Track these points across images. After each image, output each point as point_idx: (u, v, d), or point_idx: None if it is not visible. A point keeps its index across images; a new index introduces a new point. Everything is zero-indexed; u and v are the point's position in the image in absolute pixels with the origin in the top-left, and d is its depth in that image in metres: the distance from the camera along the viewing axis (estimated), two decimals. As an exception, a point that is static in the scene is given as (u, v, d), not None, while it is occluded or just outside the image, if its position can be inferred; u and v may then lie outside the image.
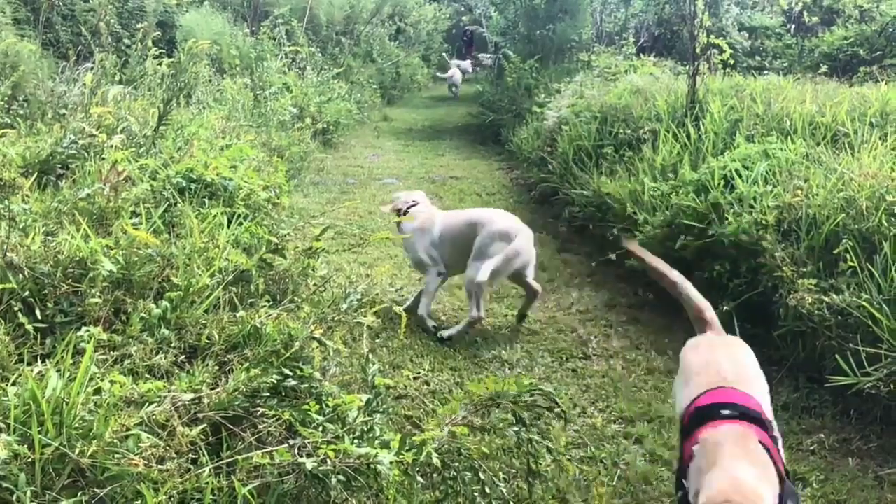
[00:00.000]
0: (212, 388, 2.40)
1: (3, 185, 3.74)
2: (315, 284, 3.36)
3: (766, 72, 9.65)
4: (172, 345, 2.62)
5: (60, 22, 8.77)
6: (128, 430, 2.09)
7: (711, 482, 1.97)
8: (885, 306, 3.42)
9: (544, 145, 7.84)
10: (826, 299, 3.63)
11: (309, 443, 2.30)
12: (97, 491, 1.95)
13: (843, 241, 3.77)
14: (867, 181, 4.05)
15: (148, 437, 2.10)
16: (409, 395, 3.72)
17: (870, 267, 3.62)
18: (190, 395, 2.31)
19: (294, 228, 3.78)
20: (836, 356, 3.47)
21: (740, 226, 4.30)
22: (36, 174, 4.01)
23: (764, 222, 4.21)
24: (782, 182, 4.52)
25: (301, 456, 2.24)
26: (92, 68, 6.21)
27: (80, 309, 2.66)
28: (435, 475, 2.50)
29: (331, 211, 6.43)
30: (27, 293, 2.64)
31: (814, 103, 5.72)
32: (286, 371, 2.55)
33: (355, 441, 2.39)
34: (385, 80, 16.57)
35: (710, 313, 2.77)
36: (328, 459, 2.23)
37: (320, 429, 2.40)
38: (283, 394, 2.54)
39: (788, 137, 5.17)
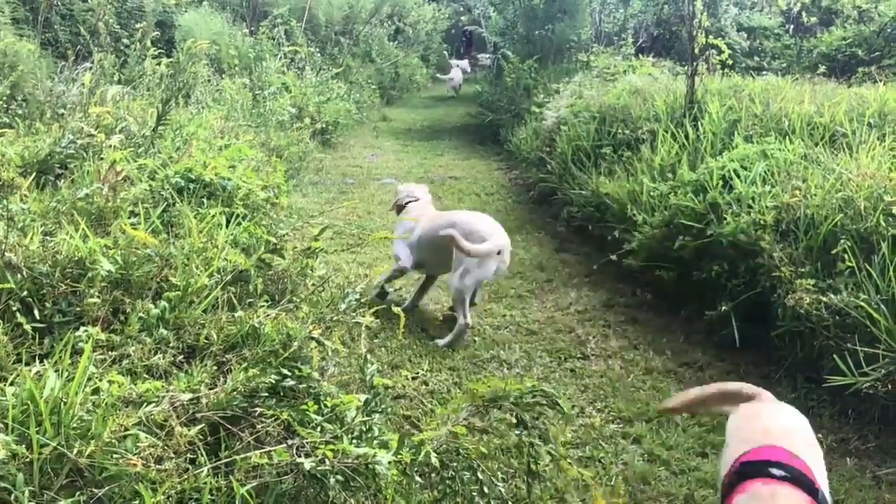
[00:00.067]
0: (210, 388, 2.40)
1: (2, 185, 3.74)
2: (314, 284, 3.36)
3: (764, 72, 9.66)
4: (171, 345, 2.62)
5: (59, 21, 8.77)
6: (126, 429, 2.09)
7: None
8: (882, 306, 3.43)
9: (543, 145, 7.85)
10: (824, 299, 3.63)
11: (307, 443, 2.30)
12: (95, 491, 1.95)
13: (841, 241, 3.77)
14: (865, 181, 4.05)
15: (146, 437, 2.10)
16: (407, 395, 3.72)
17: (868, 267, 3.62)
18: (188, 395, 2.31)
19: (292, 228, 3.79)
20: (834, 356, 3.47)
21: (738, 226, 4.30)
22: (34, 174, 4.01)
23: (762, 222, 4.21)
24: (780, 182, 4.53)
25: (299, 456, 2.24)
26: (90, 68, 6.20)
27: (78, 309, 2.67)
28: (433, 475, 2.50)
29: (329, 211, 6.43)
30: (25, 293, 2.64)
31: (812, 104, 5.73)
32: (284, 371, 2.55)
33: (354, 441, 2.39)
34: (384, 80, 16.57)
35: (748, 389, 2.57)
36: (326, 459, 2.23)
37: (319, 429, 2.41)
38: (282, 394, 2.54)
39: (787, 138, 5.17)
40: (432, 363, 4.12)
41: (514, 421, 2.71)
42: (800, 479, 1.98)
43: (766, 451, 2.08)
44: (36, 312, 2.60)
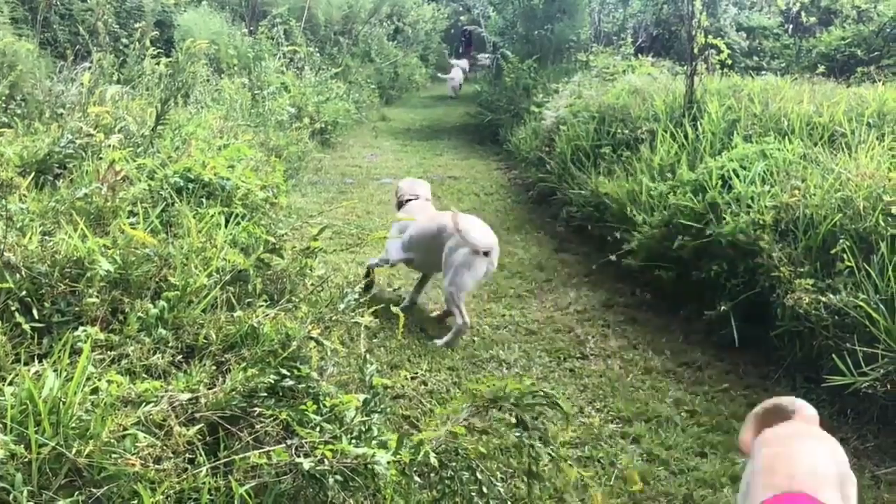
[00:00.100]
0: (209, 388, 2.40)
1: (1, 185, 3.73)
2: (313, 284, 3.36)
3: (763, 72, 9.66)
4: (170, 344, 2.62)
5: (58, 21, 8.77)
6: (125, 429, 2.09)
7: None
8: (881, 306, 3.43)
9: (542, 145, 7.85)
10: (823, 299, 3.63)
11: (306, 443, 2.30)
12: (94, 491, 1.95)
13: (840, 241, 3.77)
14: (864, 181, 4.06)
15: (145, 437, 2.10)
16: (406, 395, 3.72)
17: (867, 267, 3.62)
18: (187, 395, 2.31)
19: (292, 228, 3.80)
20: (833, 356, 3.47)
21: (738, 226, 4.30)
22: (33, 174, 4.01)
23: (761, 222, 4.22)
24: (780, 182, 4.53)
25: (298, 456, 2.24)
26: (90, 68, 6.20)
27: (77, 309, 2.66)
28: (432, 475, 2.50)
29: (328, 211, 6.43)
30: (24, 293, 2.64)
31: (811, 103, 5.74)
32: (283, 371, 2.55)
33: (353, 441, 2.39)
34: (383, 80, 16.56)
35: (789, 403, 2.44)
36: (325, 459, 2.23)
37: (318, 429, 2.41)
38: (281, 394, 2.54)
39: (786, 138, 5.18)
40: (431, 363, 4.11)
41: (514, 421, 2.71)
42: None
43: (788, 500, 1.97)
44: (35, 312, 2.60)
